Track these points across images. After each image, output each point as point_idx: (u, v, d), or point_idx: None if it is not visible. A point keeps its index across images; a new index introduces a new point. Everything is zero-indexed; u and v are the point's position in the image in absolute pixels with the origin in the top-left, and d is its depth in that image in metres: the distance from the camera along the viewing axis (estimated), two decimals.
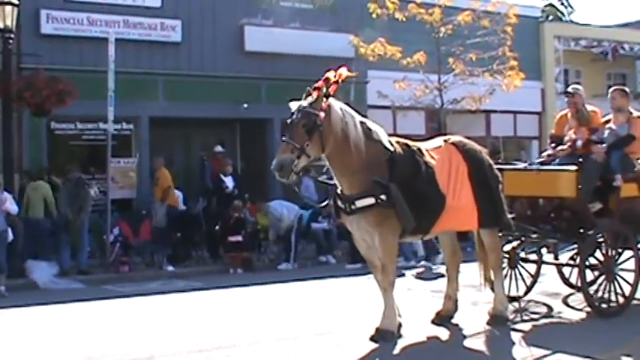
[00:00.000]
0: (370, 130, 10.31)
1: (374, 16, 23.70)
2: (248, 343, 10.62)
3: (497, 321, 11.24)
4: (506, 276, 12.49)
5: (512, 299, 12.65)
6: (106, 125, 19.40)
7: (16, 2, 18.47)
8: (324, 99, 9.84)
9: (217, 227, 19.86)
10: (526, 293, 13.20)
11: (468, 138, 11.70)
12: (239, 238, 19.43)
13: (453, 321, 11.42)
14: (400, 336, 10.45)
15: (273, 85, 23.84)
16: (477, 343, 10.43)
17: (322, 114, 9.73)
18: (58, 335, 11.82)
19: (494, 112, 28.45)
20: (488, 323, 11.23)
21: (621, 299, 11.80)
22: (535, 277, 13.36)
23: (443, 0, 24.23)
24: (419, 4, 23.70)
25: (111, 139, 19.50)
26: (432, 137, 11.83)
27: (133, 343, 10.90)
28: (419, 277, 17.00)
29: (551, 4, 50.36)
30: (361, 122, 10.29)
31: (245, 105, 23.15)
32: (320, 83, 9.91)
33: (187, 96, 22.72)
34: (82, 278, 17.88)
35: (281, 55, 24.07)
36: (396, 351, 10.01)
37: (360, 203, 10.05)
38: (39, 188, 18.91)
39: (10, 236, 17.01)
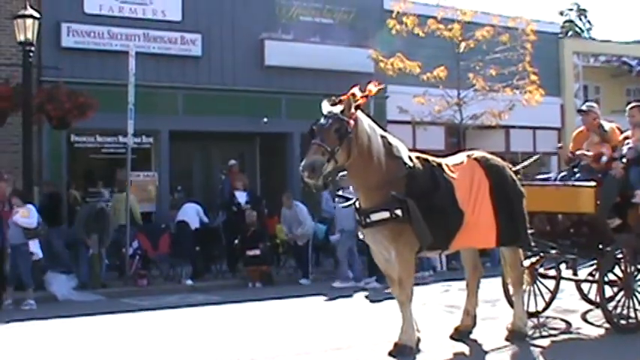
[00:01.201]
0: (391, 144, 10.26)
1: (393, 32, 23.68)
2: (266, 357, 10.54)
3: (516, 337, 11.18)
4: (525, 291, 12.34)
5: (531, 315, 12.55)
6: (126, 139, 19.38)
7: (37, 15, 18.48)
8: (354, 109, 9.85)
9: (236, 241, 19.74)
10: (545, 309, 13.13)
11: (491, 153, 11.64)
12: (257, 252, 19.32)
13: (472, 336, 11.33)
14: (419, 351, 10.35)
15: (293, 99, 23.81)
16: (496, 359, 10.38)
17: (352, 122, 9.74)
18: (76, 349, 11.74)
19: (514, 127, 28.37)
20: (507, 339, 11.17)
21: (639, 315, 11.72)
22: (554, 293, 13.29)
23: (462, 16, 24.18)
24: (438, 20, 23.72)
25: (131, 153, 19.48)
26: (453, 153, 11.82)
27: (150, 357, 10.88)
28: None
29: (570, 21, 50.37)
30: (382, 137, 10.26)
31: (265, 119, 23.12)
32: (345, 97, 9.91)
33: (207, 110, 22.71)
34: (101, 291, 17.83)
35: (301, 69, 24.05)
36: None
37: (374, 217, 10.03)
38: (123, 199, 19.37)
39: (39, 254, 16.98)
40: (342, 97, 9.92)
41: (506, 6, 78.60)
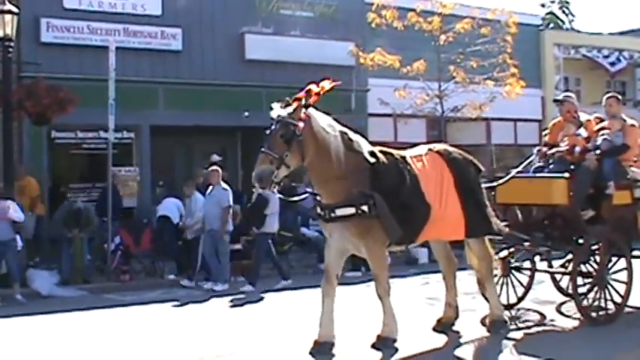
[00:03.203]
0: (352, 140, 10.31)
1: (373, 25, 23.81)
2: (249, 351, 10.69)
3: (497, 326, 11.33)
4: (498, 283, 12.54)
5: (506, 307, 12.55)
6: (107, 134, 19.40)
7: (16, 11, 18.41)
8: (304, 109, 9.89)
9: None
10: (519, 301, 13.19)
11: (469, 146, 11.75)
12: (239, 246, 19.38)
13: (455, 328, 11.48)
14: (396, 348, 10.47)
15: (274, 93, 23.47)
16: (468, 352, 10.54)
17: (301, 124, 9.76)
18: (63, 344, 11.88)
19: (495, 119, 28.52)
20: (488, 330, 11.34)
21: (613, 307, 11.83)
22: (528, 285, 13.35)
23: (442, 8, 24.30)
24: (418, 13, 23.81)
25: (112, 148, 19.51)
26: (413, 146, 11.79)
27: (133, 353, 11.01)
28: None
29: (551, 12, 50.53)
30: (342, 132, 10.28)
31: (246, 113, 23.15)
32: (301, 94, 9.99)
33: (188, 104, 22.73)
34: (83, 287, 17.88)
35: (281, 63, 24.10)
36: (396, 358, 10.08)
37: (339, 212, 10.04)
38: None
39: (20, 244, 17.10)
40: (297, 95, 9.99)
41: None
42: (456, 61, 24.12)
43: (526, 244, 12.45)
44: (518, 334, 11.31)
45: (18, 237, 17.04)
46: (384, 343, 10.36)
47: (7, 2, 18.36)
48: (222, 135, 24.82)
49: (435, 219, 10.53)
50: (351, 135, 10.39)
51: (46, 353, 11.25)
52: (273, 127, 9.79)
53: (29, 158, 20.88)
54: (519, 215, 12.71)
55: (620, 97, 13.24)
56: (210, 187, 18.33)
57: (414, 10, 23.94)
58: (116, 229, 19.47)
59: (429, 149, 11.24)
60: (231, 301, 15.86)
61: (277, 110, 9.90)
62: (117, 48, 19.56)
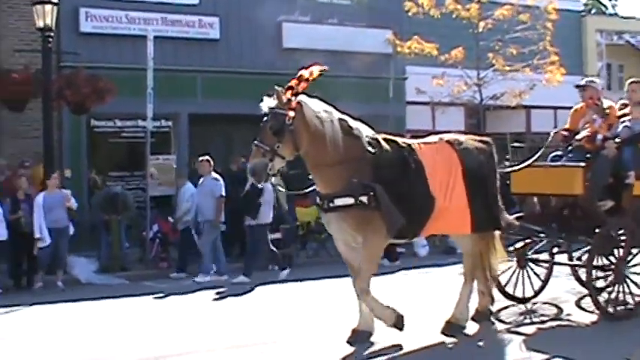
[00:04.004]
0: (351, 127, 10.09)
1: (410, 14, 23.94)
2: (284, 339, 10.75)
3: (453, 329, 10.72)
4: (512, 275, 12.35)
5: (521, 301, 12.37)
6: (145, 122, 19.70)
7: (56, 1, 18.72)
8: (294, 97, 9.77)
9: None
10: (536, 295, 12.70)
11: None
12: (278, 235, 19.60)
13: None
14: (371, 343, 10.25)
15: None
16: (473, 346, 10.30)
17: (292, 113, 9.65)
18: (103, 331, 12.15)
19: (535, 107, 28.44)
20: (442, 331, 10.69)
21: (632, 302, 11.36)
22: (546, 279, 12.86)
23: None
24: (456, 1, 23.85)
25: (150, 137, 19.82)
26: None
27: (170, 340, 11.16)
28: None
29: None
30: (341, 119, 10.08)
31: None
32: (293, 82, 9.88)
33: (226, 93, 22.96)
34: (122, 274, 18.23)
35: (319, 51, 24.15)
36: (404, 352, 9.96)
37: (338, 202, 9.84)
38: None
39: (72, 230, 17.55)
40: (290, 83, 9.89)
41: None
42: (495, 49, 24.06)
43: (541, 235, 12.19)
44: (531, 329, 11.01)
45: (70, 224, 17.52)
46: (360, 337, 10.21)
47: None
48: (259, 123, 24.95)
49: (440, 212, 10.26)
50: (351, 122, 10.17)
51: (78, 340, 11.42)
52: (264, 119, 9.78)
53: (69, 147, 21.25)
54: (537, 206, 12.45)
55: None
56: (202, 178, 18.22)
57: None
58: (154, 217, 19.77)
59: (440, 138, 10.95)
60: (268, 288, 16.03)
61: (267, 102, 9.86)
62: (155, 37, 19.85)
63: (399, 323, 10.18)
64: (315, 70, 10.12)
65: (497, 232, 11.26)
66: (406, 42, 24.00)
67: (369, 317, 10.41)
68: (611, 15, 46.66)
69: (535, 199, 12.51)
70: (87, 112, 19.95)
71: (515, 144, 19.13)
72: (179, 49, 22.69)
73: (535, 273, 12.69)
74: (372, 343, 10.27)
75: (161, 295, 15.67)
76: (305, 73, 10.02)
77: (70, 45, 21.26)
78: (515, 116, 27.59)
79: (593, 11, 44.98)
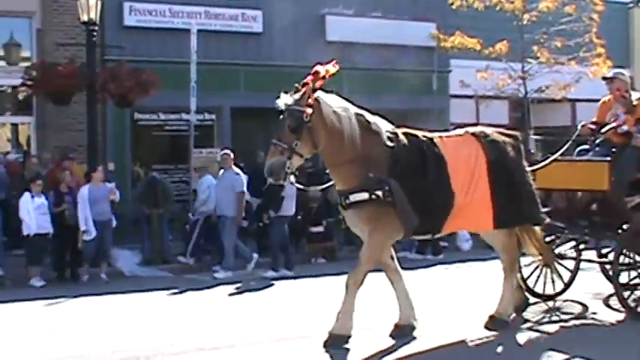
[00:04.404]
0: (369, 122, 9.99)
1: (453, 7, 23.99)
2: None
3: (496, 324, 10.72)
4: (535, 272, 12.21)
5: (548, 298, 12.23)
6: (189, 116, 19.85)
7: None
8: (312, 93, 9.66)
9: (299, 217, 19.82)
10: (562, 292, 12.52)
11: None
12: (321, 228, 19.66)
13: (472, 322, 11.04)
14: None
15: (354, 74, 24.02)
16: (489, 344, 10.18)
17: (309, 110, 9.53)
18: (150, 323, 12.34)
19: (581, 100, 28.20)
20: (486, 326, 10.74)
21: None
22: (573, 276, 12.66)
23: None
24: None
25: (193, 130, 19.95)
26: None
27: (214, 332, 11.26)
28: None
29: None
30: (358, 114, 9.97)
31: None
32: (309, 78, 9.77)
33: (268, 86, 22.93)
34: (165, 267, 18.36)
35: (362, 44, 24.24)
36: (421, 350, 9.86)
37: (353, 197, 9.74)
38: None
39: (114, 223, 17.77)
40: (305, 80, 9.79)
41: None
42: (540, 41, 23.98)
43: (565, 232, 11.98)
44: (553, 328, 10.91)
45: (113, 217, 17.74)
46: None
47: None
48: None
49: (460, 208, 10.09)
50: (369, 117, 10.07)
51: (120, 332, 11.60)
52: (281, 116, 9.64)
53: (112, 140, 21.45)
54: (563, 201, 12.10)
55: None
56: (222, 171, 18.02)
57: None
58: None
59: (465, 131, 10.75)
60: (311, 282, 16.10)
61: (283, 99, 9.74)
62: (198, 31, 20.00)
63: (339, 339, 9.90)
64: (331, 68, 10.02)
65: (536, 227, 11.19)
66: (449, 37, 24.04)
67: (409, 311, 10.45)
68: None
69: (564, 194, 12.15)
70: (131, 105, 20.07)
71: (536, 136, 18.91)
72: (222, 42, 22.80)
73: (564, 269, 12.49)
74: (414, 338, 10.28)
75: (205, 286, 15.84)
76: (320, 69, 9.89)
77: (113, 39, 21.42)
78: (560, 109, 27.42)
79: None
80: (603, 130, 11.63)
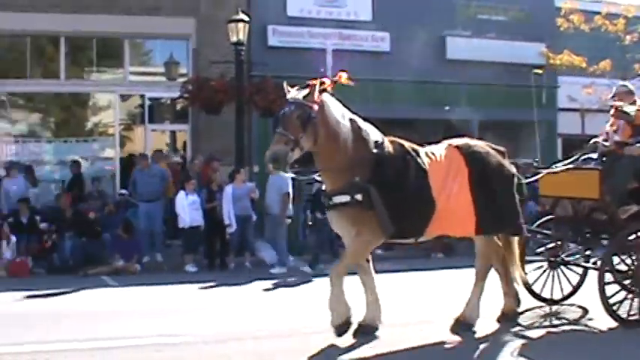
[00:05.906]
0: (360, 128, 9.47)
1: (562, 29, 24.02)
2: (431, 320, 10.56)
3: (461, 327, 9.95)
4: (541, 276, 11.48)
5: (549, 302, 11.40)
6: None
7: (247, 19, 19.67)
8: (319, 93, 9.17)
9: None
10: (567, 297, 11.62)
11: None
12: None
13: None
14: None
15: (472, 89, 23.92)
16: (469, 347, 9.37)
17: (316, 107, 9.03)
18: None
19: None
20: (451, 329, 9.98)
21: None
22: (580, 281, 11.72)
23: (627, 12, 24.30)
24: (604, 17, 23.88)
25: None
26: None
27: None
28: None
29: None
30: (352, 120, 9.51)
31: (447, 107, 23.28)
32: (315, 81, 9.26)
33: (395, 99, 23.09)
34: (302, 258, 18.49)
35: (479, 62, 24.14)
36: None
37: (336, 199, 9.22)
38: None
39: (254, 217, 18.29)
40: (311, 82, 9.26)
41: None
42: None
43: (568, 238, 11.34)
44: (538, 333, 9.99)
45: (253, 212, 18.25)
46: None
47: (240, 12, 19.43)
48: (426, 126, 25.00)
49: (441, 214, 9.45)
50: (361, 123, 9.57)
51: (261, 313, 11.76)
52: (287, 109, 9.02)
53: (257, 145, 21.76)
54: (570, 209, 11.26)
55: None
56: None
57: (599, 13, 24.06)
58: None
59: (449, 144, 10.10)
60: (428, 274, 16.01)
61: (293, 93, 9.25)
62: (333, 50, 20.20)
63: (340, 329, 9.39)
64: (344, 75, 9.78)
65: (514, 237, 10.47)
66: (558, 55, 24.01)
67: (376, 313, 9.90)
68: None
69: (569, 202, 11.31)
70: (273, 115, 20.28)
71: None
72: (354, 60, 22.85)
73: (569, 274, 11.70)
74: (474, 332, 9.90)
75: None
76: (327, 81, 9.53)
77: (259, 57, 21.91)
78: None
79: None
80: (592, 141, 11.05)
